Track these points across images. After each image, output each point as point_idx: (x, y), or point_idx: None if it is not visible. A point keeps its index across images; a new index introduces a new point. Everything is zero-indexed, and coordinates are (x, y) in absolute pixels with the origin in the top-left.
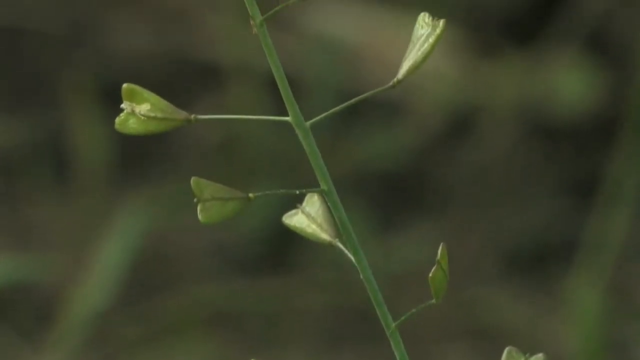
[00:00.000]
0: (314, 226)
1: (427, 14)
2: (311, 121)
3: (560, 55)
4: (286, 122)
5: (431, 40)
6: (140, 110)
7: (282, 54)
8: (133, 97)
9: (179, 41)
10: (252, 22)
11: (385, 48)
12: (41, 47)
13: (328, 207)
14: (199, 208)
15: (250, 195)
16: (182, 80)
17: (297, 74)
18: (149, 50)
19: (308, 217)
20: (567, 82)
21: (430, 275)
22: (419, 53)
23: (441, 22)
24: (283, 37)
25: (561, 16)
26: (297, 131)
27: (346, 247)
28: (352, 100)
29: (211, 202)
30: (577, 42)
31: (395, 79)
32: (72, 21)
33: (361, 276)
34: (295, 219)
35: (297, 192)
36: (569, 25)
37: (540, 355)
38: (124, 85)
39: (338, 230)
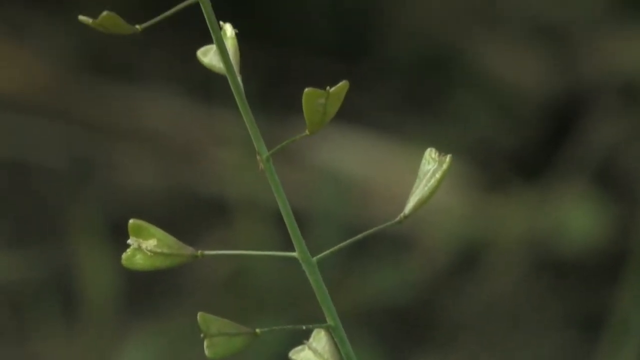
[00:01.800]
0: None
1: (433, 150)
2: (318, 257)
3: (568, 190)
4: (293, 258)
5: (438, 175)
6: (147, 246)
7: (289, 188)
8: (140, 233)
9: (185, 176)
10: (258, 157)
11: (392, 182)
12: (47, 182)
13: (335, 343)
14: (205, 343)
15: (257, 330)
16: (188, 215)
17: (304, 208)
18: (156, 185)
19: (315, 353)
20: (574, 217)
21: None
22: (426, 188)
23: (448, 158)
24: (290, 171)
25: (568, 151)
26: (304, 267)
27: None
28: (359, 236)
29: (218, 337)
30: (585, 176)
31: (402, 215)
32: (78, 157)
33: None
34: (302, 355)
35: (304, 327)
36: (576, 160)
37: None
38: (131, 221)
39: None
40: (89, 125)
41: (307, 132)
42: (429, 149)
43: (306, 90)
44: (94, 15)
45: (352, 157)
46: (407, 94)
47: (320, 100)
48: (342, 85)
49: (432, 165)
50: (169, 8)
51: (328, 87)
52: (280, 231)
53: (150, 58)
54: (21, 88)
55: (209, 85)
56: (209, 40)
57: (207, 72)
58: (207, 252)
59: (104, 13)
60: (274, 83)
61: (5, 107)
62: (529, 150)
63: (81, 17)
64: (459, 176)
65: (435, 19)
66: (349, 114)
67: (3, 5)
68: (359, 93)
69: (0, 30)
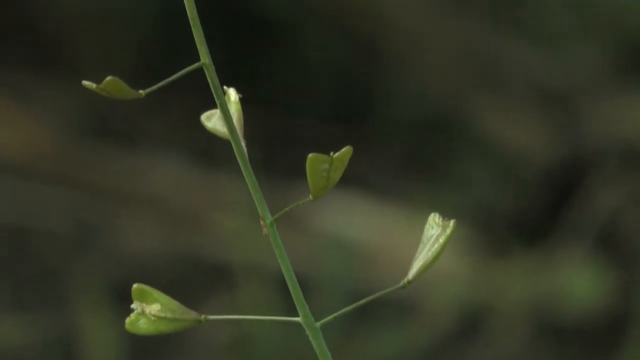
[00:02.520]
0: None
1: (437, 215)
2: (321, 322)
3: (570, 254)
4: (296, 322)
5: (441, 240)
6: (150, 311)
7: (292, 253)
8: (143, 297)
9: (187, 241)
10: (262, 222)
11: (395, 247)
12: (49, 247)
13: None
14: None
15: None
16: (191, 280)
17: (307, 272)
18: (159, 249)
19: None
20: (576, 281)
21: None
22: (430, 253)
23: (451, 223)
24: (293, 236)
25: (570, 215)
26: (308, 331)
27: None
28: (363, 301)
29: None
30: (587, 241)
31: (405, 280)
32: (80, 221)
33: None
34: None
35: None
36: (578, 224)
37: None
38: (134, 286)
39: None
40: (91, 189)
41: (310, 197)
42: (432, 214)
43: (310, 155)
44: (97, 80)
45: (355, 221)
46: (409, 158)
47: (324, 165)
48: (346, 150)
49: (435, 230)
50: (171, 71)
51: (332, 153)
52: (284, 296)
53: (153, 122)
54: (24, 152)
55: (212, 150)
56: (212, 104)
57: (210, 137)
58: (210, 317)
59: (108, 78)
60: (276, 148)
61: (8, 171)
62: (531, 214)
63: (85, 82)
64: (461, 240)
65: (438, 83)
66: (352, 178)
67: (5, 70)
68: (361, 157)
69: (2, 95)
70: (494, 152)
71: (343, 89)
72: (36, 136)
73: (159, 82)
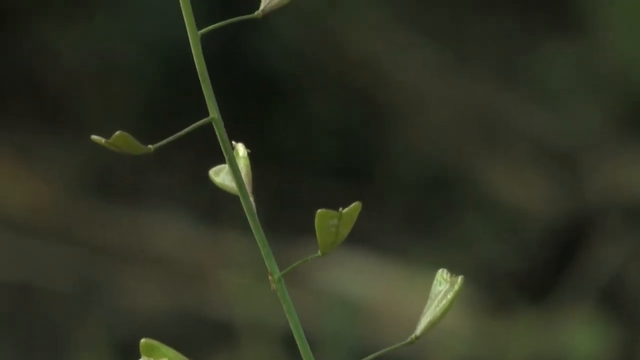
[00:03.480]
0: None
1: (445, 270)
2: None
3: (573, 312)
4: None
5: (450, 296)
6: None
7: (298, 311)
8: (151, 352)
9: (192, 298)
10: (270, 277)
11: (398, 305)
12: (53, 305)
13: None
14: None
15: None
16: (196, 338)
17: (311, 329)
18: (163, 307)
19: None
20: (580, 339)
21: None
22: (438, 309)
23: (459, 279)
24: (297, 293)
25: (573, 273)
26: None
27: None
28: (370, 357)
29: None
30: (590, 298)
31: (413, 335)
32: (84, 279)
33: None
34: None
35: None
36: (581, 282)
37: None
38: (142, 341)
39: None
40: (95, 247)
41: (319, 252)
42: (440, 270)
43: (319, 211)
44: (103, 136)
45: (358, 279)
46: (413, 215)
47: (333, 221)
48: (355, 206)
49: (443, 286)
50: (175, 127)
51: (341, 209)
52: (288, 353)
53: (157, 178)
54: (27, 208)
55: (217, 207)
56: (217, 161)
57: (215, 194)
58: None
59: (117, 133)
60: (282, 205)
61: (11, 228)
62: (534, 271)
63: (94, 137)
64: (465, 298)
65: (441, 141)
66: (356, 235)
67: (10, 126)
68: (365, 215)
69: (6, 152)
70: (498, 210)
71: (348, 146)
72: (40, 192)
73: (165, 138)
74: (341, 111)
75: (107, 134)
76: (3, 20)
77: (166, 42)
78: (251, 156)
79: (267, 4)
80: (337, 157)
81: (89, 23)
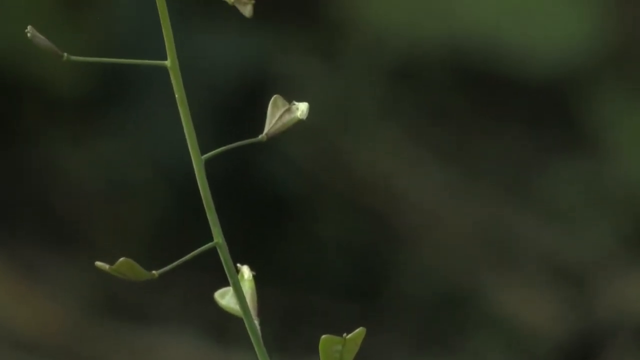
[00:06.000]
0: None
1: None
2: None
3: None
4: None
5: None
6: None
7: None
8: None
9: None
10: None
11: None
12: None
13: None
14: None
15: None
16: None
17: None
18: None
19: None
20: None
21: None
22: None
23: None
24: None
25: None
26: None
27: None
28: None
29: None
30: None
31: None
32: None
33: None
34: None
35: None
36: None
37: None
38: None
39: None
40: None
41: None
42: None
43: (323, 337)
44: (110, 259)
45: None
46: (423, 334)
47: (337, 347)
48: (359, 332)
49: None
50: (185, 248)
51: (345, 334)
52: None
53: (165, 299)
54: (35, 328)
55: (225, 327)
56: (225, 281)
57: (223, 313)
58: None
59: (121, 260)
60: (290, 325)
61: (19, 348)
62: None
63: (98, 264)
64: None
65: (450, 259)
66: (366, 354)
67: (18, 246)
68: (375, 333)
69: (14, 270)
70: (508, 328)
71: (356, 265)
72: (48, 312)
73: (173, 259)
74: (350, 230)
75: (113, 255)
76: (12, 140)
77: (173, 163)
78: (257, 278)
79: (271, 127)
80: (347, 276)
81: (96, 143)
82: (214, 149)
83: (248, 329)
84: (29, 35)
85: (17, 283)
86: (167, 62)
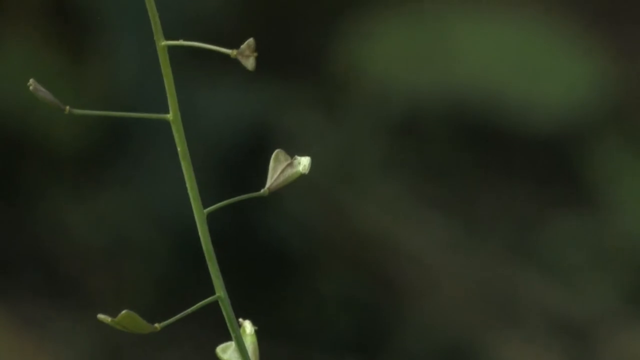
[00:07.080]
0: None
1: None
2: None
3: None
4: None
5: None
6: None
7: None
8: None
9: None
10: None
11: None
12: None
13: None
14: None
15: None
16: None
17: None
18: None
19: None
20: None
21: None
22: None
23: None
24: None
25: None
26: None
27: None
28: None
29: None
30: None
31: None
32: None
33: None
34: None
35: None
36: None
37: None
38: None
39: None
40: None
41: None
42: None
43: None
44: (112, 313)
45: None
46: None
47: None
48: None
49: None
50: (187, 302)
51: None
52: None
53: (167, 355)
54: None
55: None
56: (228, 335)
57: None
58: None
59: (123, 312)
60: None
61: None
62: None
63: (100, 316)
64: None
65: (453, 316)
66: None
67: (20, 301)
68: None
69: (15, 326)
70: None
71: (357, 320)
72: None
73: (175, 312)
74: (352, 285)
75: (115, 309)
76: (14, 195)
77: (176, 217)
78: (259, 332)
79: (273, 181)
80: (348, 331)
81: (98, 197)
82: (216, 203)
83: None
84: (31, 88)
85: (18, 337)
86: (169, 116)
